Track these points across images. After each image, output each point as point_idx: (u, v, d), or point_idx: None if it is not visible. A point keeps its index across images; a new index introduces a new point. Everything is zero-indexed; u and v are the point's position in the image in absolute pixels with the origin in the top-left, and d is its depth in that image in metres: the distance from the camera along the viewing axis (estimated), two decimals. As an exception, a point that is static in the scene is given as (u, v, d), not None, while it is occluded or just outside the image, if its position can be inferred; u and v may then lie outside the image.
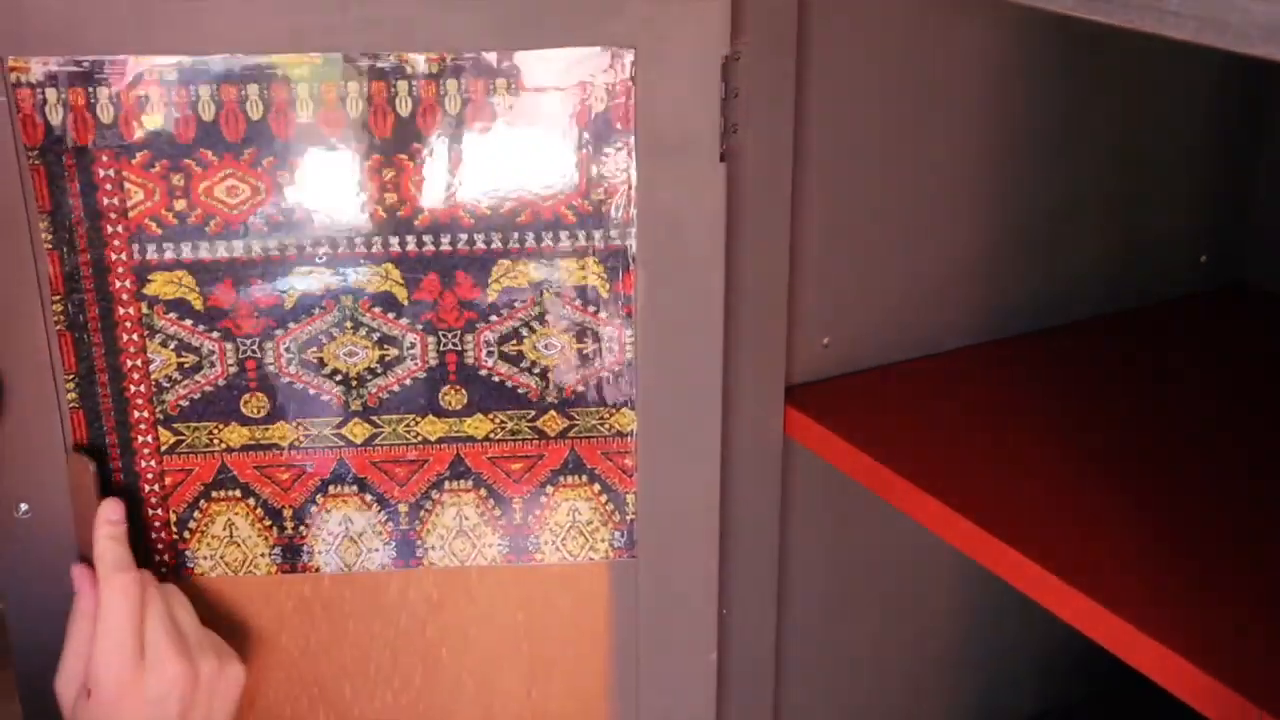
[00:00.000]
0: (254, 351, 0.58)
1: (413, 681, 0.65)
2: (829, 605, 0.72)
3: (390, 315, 0.58)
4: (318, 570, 0.62)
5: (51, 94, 0.53)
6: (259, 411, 0.59)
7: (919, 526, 0.60)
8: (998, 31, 0.67)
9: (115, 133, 0.54)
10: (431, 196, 0.57)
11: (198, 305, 0.57)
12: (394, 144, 0.55)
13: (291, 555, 0.62)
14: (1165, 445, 0.63)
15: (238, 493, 0.60)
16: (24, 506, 0.58)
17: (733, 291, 0.61)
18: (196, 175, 0.55)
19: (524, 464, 0.61)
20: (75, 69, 0.53)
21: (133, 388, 0.58)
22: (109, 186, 0.55)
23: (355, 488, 0.61)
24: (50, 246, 0.55)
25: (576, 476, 0.62)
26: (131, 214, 0.55)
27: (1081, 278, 0.76)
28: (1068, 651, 0.82)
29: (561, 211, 0.57)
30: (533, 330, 0.59)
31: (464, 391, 0.60)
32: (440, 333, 0.59)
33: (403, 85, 0.54)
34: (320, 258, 0.57)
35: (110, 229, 0.56)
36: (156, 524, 0.60)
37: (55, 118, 0.53)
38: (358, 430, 0.60)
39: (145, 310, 0.57)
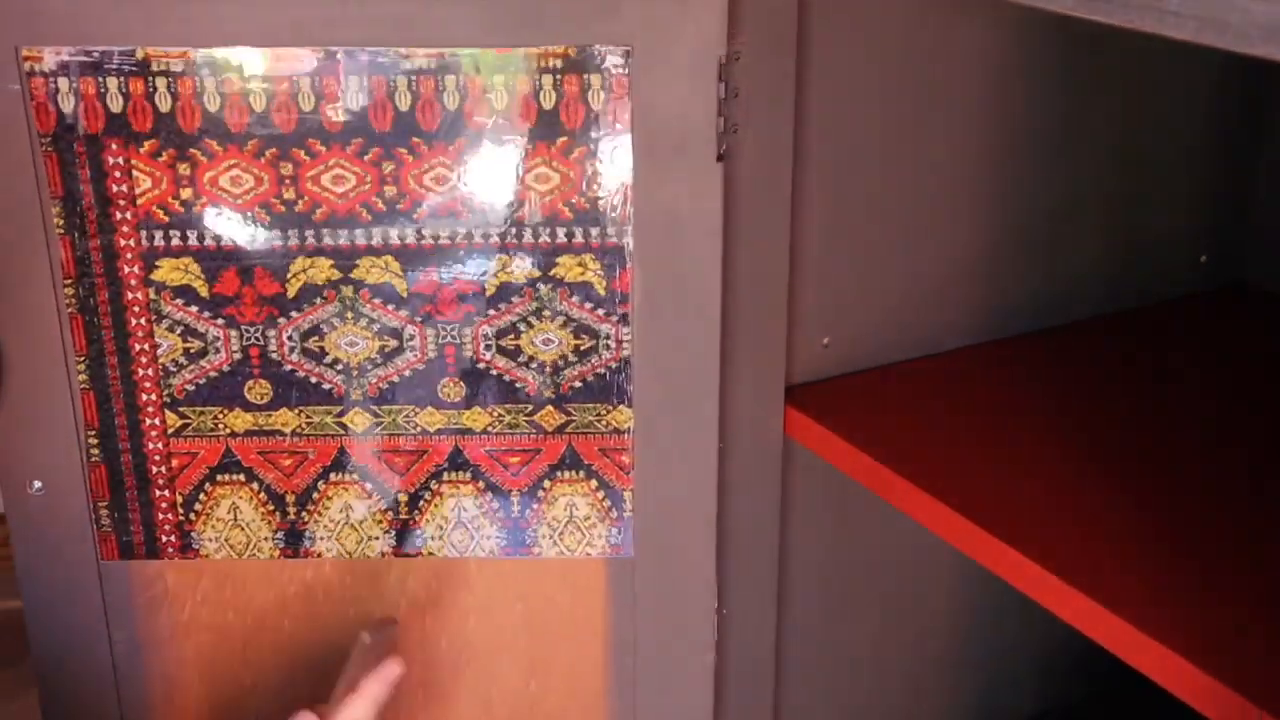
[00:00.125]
0: (257, 339, 0.59)
1: (412, 670, 0.66)
2: (829, 605, 0.72)
3: (390, 307, 0.59)
4: (319, 556, 0.63)
5: (63, 83, 0.54)
6: (262, 398, 0.60)
7: (919, 526, 0.60)
8: (998, 31, 0.68)
9: (124, 121, 0.55)
10: (431, 190, 0.58)
11: (203, 292, 0.58)
12: (394, 137, 0.56)
13: (294, 540, 0.62)
14: (1165, 445, 0.63)
15: (242, 477, 0.61)
16: (38, 484, 0.60)
17: (732, 291, 0.61)
18: (202, 165, 0.56)
19: (521, 458, 0.62)
20: (86, 59, 0.54)
21: (140, 371, 0.59)
22: (118, 174, 0.56)
23: (356, 476, 0.62)
24: (62, 231, 0.57)
25: (574, 472, 0.62)
26: (140, 201, 0.57)
27: (1081, 278, 0.76)
28: (1068, 651, 0.81)
29: (559, 208, 0.58)
30: (530, 326, 0.60)
31: (463, 384, 0.61)
32: (439, 325, 0.60)
33: (402, 80, 0.55)
34: (322, 248, 0.58)
35: (119, 215, 0.57)
36: (163, 505, 0.61)
37: (67, 106, 0.55)
38: (358, 419, 0.61)
39: (153, 296, 0.58)
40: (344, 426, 0.61)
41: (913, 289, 0.70)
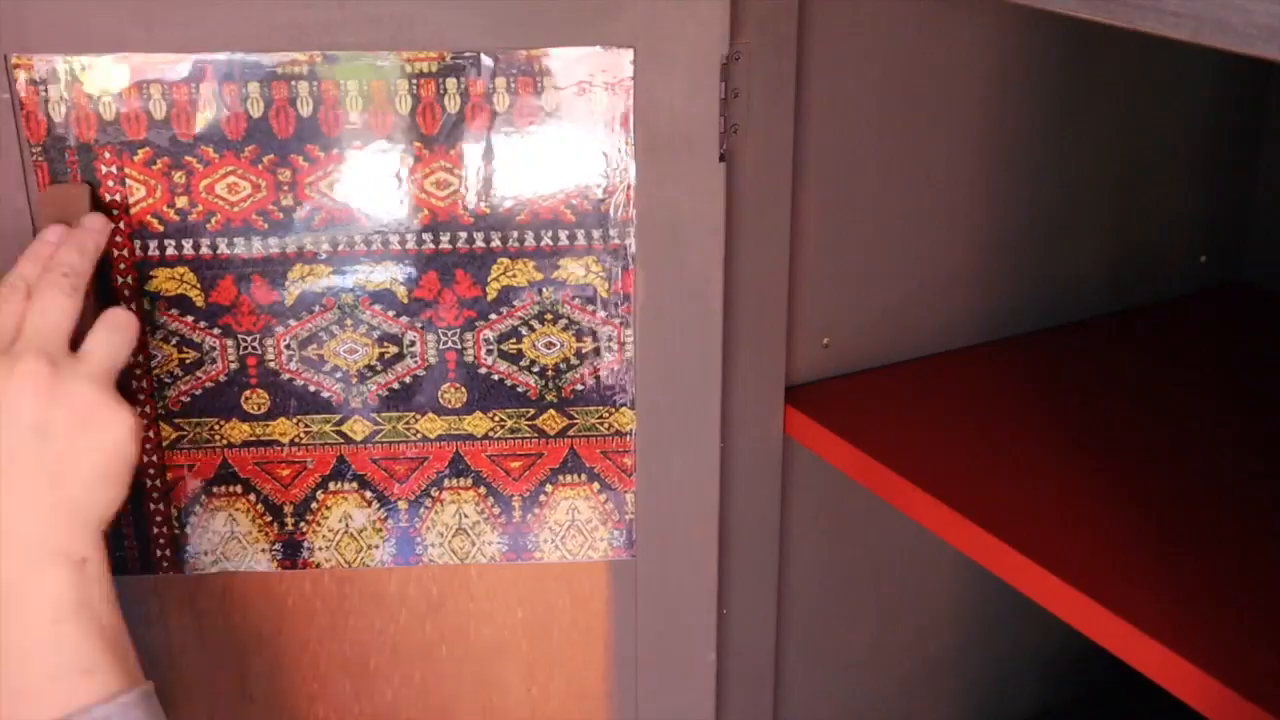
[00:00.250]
0: (255, 348, 0.58)
1: (413, 678, 0.65)
2: (829, 605, 0.72)
3: (390, 313, 0.59)
4: (318, 566, 0.62)
5: (54, 91, 0.53)
6: (260, 408, 0.59)
7: (919, 527, 0.60)
8: (998, 31, 0.67)
9: (117, 129, 0.54)
10: (431, 195, 0.57)
11: (199, 302, 0.57)
12: (394, 142, 0.56)
13: (292, 551, 0.62)
14: (1165, 445, 0.63)
15: (239, 488, 0.61)
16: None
17: (733, 291, 0.61)
18: (198, 172, 0.55)
19: (523, 462, 0.62)
20: (78, 66, 0.53)
21: (135, 383, 0.58)
22: (111, 183, 0.55)
23: (355, 484, 0.61)
24: (53, 243, 0.56)
25: (576, 475, 0.62)
26: (133, 210, 0.56)
27: (1081, 278, 0.76)
28: (1068, 651, 0.82)
29: (561, 210, 0.58)
30: (532, 329, 0.59)
31: (464, 389, 0.60)
32: (440, 331, 0.59)
33: (402, 84, 0.55)
34: (320, 255, 0.57)
35: (112, 225, 0.56)
36: (158, 519, 0.61)
37: (58, 114, 0.54)
38: (358, 427, 0.60)
39: (147, 306, 0.57)
40: (343, 435, 0.60)
41: (913, 289, 0.70)
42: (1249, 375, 0.72)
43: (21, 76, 0.53)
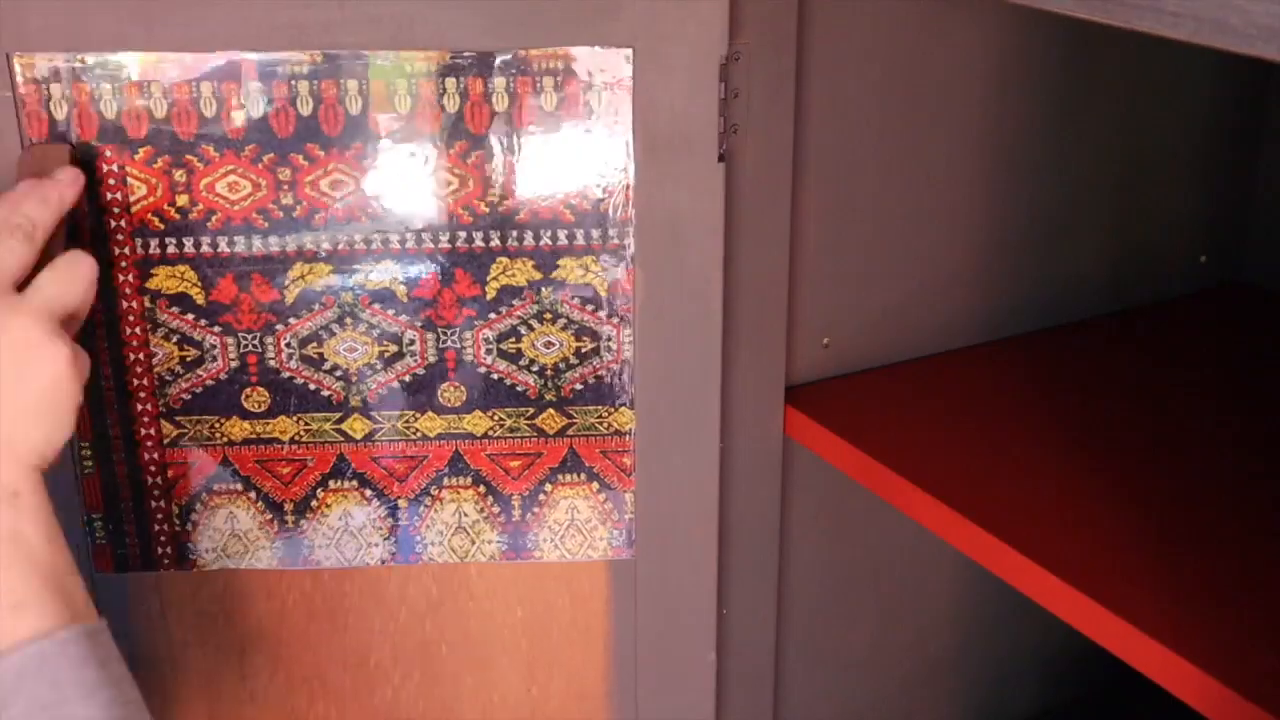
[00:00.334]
0: (255, 346, 0.59)
1: (412, 676, 0.65)
2: (828, 605, 0.72)
3: (390, 312, 0.59)
4: (318, 564, 0.62)
5: (56, 89, 0.53)
6: (260, 406, 0.60)
7: (919, 526, 0.60)
8: (998, 32, 0.67)
9: (118, 128, 0.54)
10: (430, 194, 0.57)
11: (199, 300, 0.58)
12: (394, 141, 0.56)
13: (292, 549, 0.62)
14: (1165, 445, 0.63)
15: (239, 486, 0.61)
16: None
17: (732, 291, 0.61)
18: (198, 171, 0.55)
19: (523, 461, 0.62)
20: (79, 65, 0.53)
21: (135, 381, 0.58)
22: (112, 181, 0.55)
23: (355, 483, 0.61)
24: (54, 240, 0.56)
25: (575, 475, 0.62)
26: (134, 209, 0.56)
27: (1081, 278, 0.76)
28: (1068, 651, 0.82)
29: (560, 210, 0.58)
30: (531, 328, 0.59)
31: (463, 388, 0.60)
32: (439, 329, 0.59)
33: (402, 83, 0.55)
34: (321, 253, 0.57)
35: (113, 223, 0.56)
36: (159, 516, 0.61)
37: (60, 113, 0.54)
38: (357, 425, 0.60)
39: (148, 304, 0.57)
40: (343, 433, 0.61)
41: (912, 289, 0.70)
42: (1249, 375, 0.72)
43: (23, 75, 0.53)
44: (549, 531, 0.63)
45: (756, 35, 0.58)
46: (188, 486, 0.61)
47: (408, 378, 0.60)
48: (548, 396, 0.61)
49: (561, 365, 0.60)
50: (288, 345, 0.59)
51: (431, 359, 0.60)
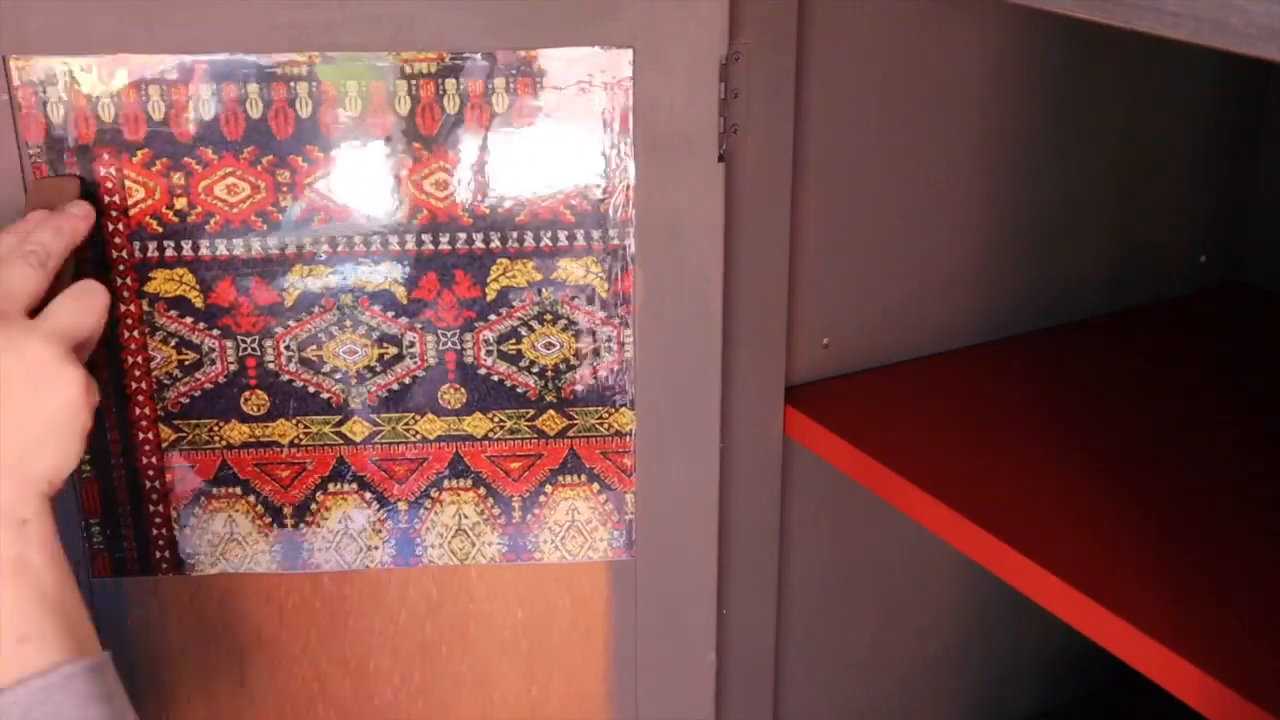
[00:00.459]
0: (254, 349, 0.58)
1: (412, 678, 0.65)
2: (828, 605, 0.72)
3: (389, 314, 0.58)
4: (318, 568, 0.62)
5: (53, 92, 0.53)
6: (259, 409, 0.59)
7: (919, 526, 0.60)
8: (998, 31, 0.67)
9: (115, 131, 0.54)
10: (430, 195, 0.57)
11: (198, 303, 0.57)
12: (393, 143, 0.56)
13: (292, 553, 0.62)
14: (1165, 445, 0.63)
15: (238, 490, 0.61)
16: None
17: (732, 291, 0.61)
18: (197, 174, 0.55)
19: (523, 463, 0.62)
20: (77, 67, 0.53)
21: (134, 384, 0.58)
22: (109, 184, 0.55)
23: (355, 485, 0.61)
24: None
25: (575, 476, 0.62)
26: (132, 212, 0.56)
27: (1081, 278, 0.76)
28: (1068, 651, 0.82)
29: (560, 211, 0.58)
30: (531, 330, 0.59)
31: (463, 390, 0.60)
32: (439, 331, 0.59)
33: (402, 85, 0.55)
34: (320, 256, 0.57)
35: (111, 226, 0.56)
36: (157, 521, 0.61)
37: (56, 115, 0.54)
38: (357, 428, 0.60)
39: (146, 308, 0.57)
40: (343, 436, 0.60)
41: (912, 289, 0.70)
42: (1249, 375, 0.72)
43: (20, 78, 0.53)
44: (549, 533, 0.63)
45: (756, 35, 0.58)
46: (186, 490, 0.60)
47: (407, 380, 0.60)
48: (548, 398, 0.61)
49: (562, 366, 0.60)
50: (287, 348, 0.59)
51: (431, 361, 0.59)
